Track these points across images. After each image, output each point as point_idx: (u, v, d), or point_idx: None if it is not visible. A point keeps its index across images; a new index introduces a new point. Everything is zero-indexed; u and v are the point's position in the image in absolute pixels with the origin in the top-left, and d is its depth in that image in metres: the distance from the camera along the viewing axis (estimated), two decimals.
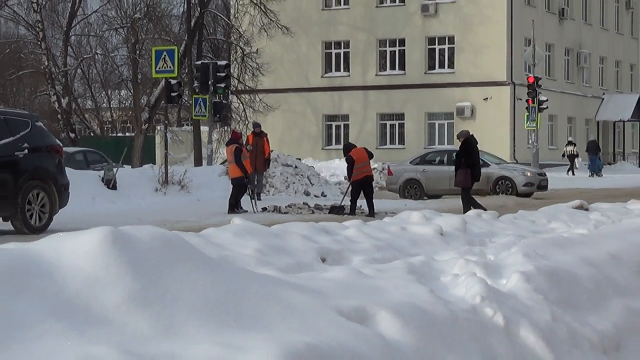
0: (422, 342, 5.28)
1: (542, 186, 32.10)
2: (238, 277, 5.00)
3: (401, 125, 55.51)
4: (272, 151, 32.52)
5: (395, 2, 55.85)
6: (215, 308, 4.58)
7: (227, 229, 8.51)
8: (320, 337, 4.58)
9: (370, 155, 23.47)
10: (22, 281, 4.21)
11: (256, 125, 28.52)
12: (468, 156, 22.32)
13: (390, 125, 55.94)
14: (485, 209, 20.38)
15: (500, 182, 31.56)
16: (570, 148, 51.22)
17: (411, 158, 35.13)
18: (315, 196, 31.67)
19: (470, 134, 23.30)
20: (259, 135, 27.90)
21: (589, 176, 48.81)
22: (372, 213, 22.22)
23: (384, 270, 6.85)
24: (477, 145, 23.04)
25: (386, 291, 5.85)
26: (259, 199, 26.35)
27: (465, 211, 21.47)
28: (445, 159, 32.56)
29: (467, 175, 22.20)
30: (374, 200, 23.09)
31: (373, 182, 24.70)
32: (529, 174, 32.47)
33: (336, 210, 23.33)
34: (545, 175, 33.03)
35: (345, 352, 4.60)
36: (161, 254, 4.71)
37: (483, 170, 30.31)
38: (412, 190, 32.59)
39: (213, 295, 4.68)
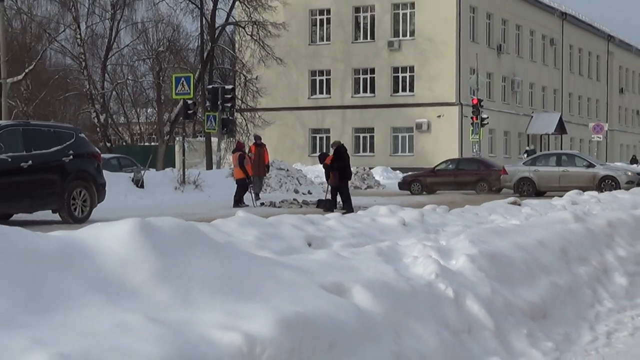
0: (389, 311, 5.28)
1: None
2: (241, 258, 4.99)
3: (372, 137, 55.52)
4: (272, 162, 32.46)
5: (367, 38, 55.90)
6: (223, 283, 4.56)
7: (232, 220, 8.49)
8: (306, 307, 4.57)
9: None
10: (68, 261, 4.20)
11: (257, 137, 28.38)
12: (339, 161, 22.33)
13: (362, 137, 55.93)
14: (336, 208, 21.45)
15: (605, 181, 30.48)
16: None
17: (524, 160, 34.20)
18: (303, 194, 31.66)
19: (341, 143, 23.40)
20: (260, 146, 27.80)
21: None
22: (350, 208, 22.21)
23: (358, 253, 6.84)
24: (347, 152, 23.05)
25: (359, 270, 5.84)
26: (258, 198, 26.23)
27: (330, 205, 22.00)
28: (555, 161, 31.86)
29: (337, 176, 22.20)
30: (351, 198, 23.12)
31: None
32: (629, 174, 31.16)
33: (323, 204, 23.26)
34: None
35: (327, 318, 4.59)
36: (179, 240, 4.69)
37: (590, 170, 30.40)
38: (525, 187, 31.31)
39: (221, 273, 4.66)
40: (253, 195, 25.60)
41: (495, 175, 32.96)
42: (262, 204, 25.34)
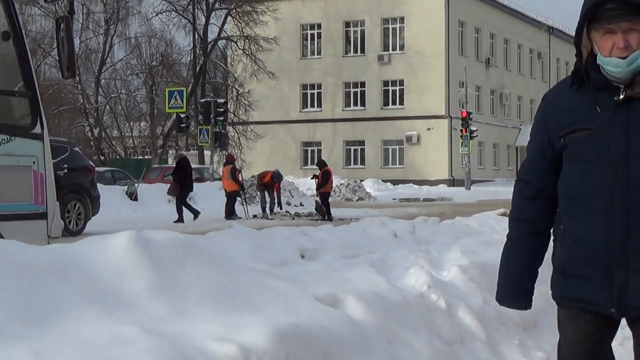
0: (381, 322, 5.27)
1: None
2: (235, 270, 4.98)
3: (362, 150, 55.60)
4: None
5: (357, 52, 56.08)
6: (218, 295, 4.55)
7: (226, 232, 8.46)
8: (300, 318, 4.56)
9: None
10: (64, 274, 4.18)
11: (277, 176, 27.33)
12: (181, 172, 23.37)
13: (353, 149, 56.01)
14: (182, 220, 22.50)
15: None
16: None
17: None
18: (295, 205, 31.67)
19: (184, 155, 24.76)
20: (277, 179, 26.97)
21: None
22: (331, 218, 23.23)
23: (351, 264, 6.83)
24: (190, 165, 24.55)
25: (352, 281, 5.83)
26: (272, 212, 26.06)
27: (180, 216, 22.97)
28: None
29: (177, 187, 23.24)
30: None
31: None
32: None
33: (321, 212, 24.24)
34: None
35: (321, 329, 4.58)
36: (175, 252, 4.68)
37: None
38: None
39: (216, 285, 4.65)
40: (268, 208, 25.87)
41: None
42: (255, 215, 25.32)
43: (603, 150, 2.92)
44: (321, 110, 56.59)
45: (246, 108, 48.38)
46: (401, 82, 54.42)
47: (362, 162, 55.31)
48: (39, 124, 7.31)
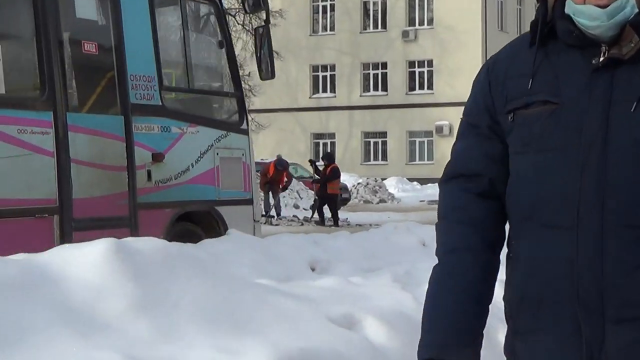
0: (407, 346, 5.26)
1: None
2: (234, 285, 4.98)
3: (384, 143, 55.59)
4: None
5: (377, 28, 56.06)
6: (213, 314, 4.56)
7: (224, 240, 8.49)
8: (311, 342, 4.56)
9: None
10: (31, 290, 4.19)
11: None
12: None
13: (374, 142, 56.01)
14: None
15: None
16: None
17: None
18: (304, 209, 31.66)
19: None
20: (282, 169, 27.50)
21: None
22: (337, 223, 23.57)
23: (370, 279, 6.83)
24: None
25: (372, 298, 5.83)
26: (280, 216, 26.61)
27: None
28: None
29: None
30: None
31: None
32: None
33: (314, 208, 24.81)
34: None
35: (334, 356, 4.58)
36: (162, 263, 4.69)
37: None
38: None
39: (211, 302, 4.65)
40: (274, 211, 26.24)
41: None
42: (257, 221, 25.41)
43: (570, 135, 2.29)
44: (335, 96, 56.62)
45: (246, 93, 48.54)
46: (430, 63, 54.41)
47: (384, 158, 55.33)
48: (245, 120, 10.30)
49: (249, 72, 49.19)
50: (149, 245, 4.78)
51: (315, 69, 57.47)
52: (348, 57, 56.14)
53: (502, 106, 2.43)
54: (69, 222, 8.14)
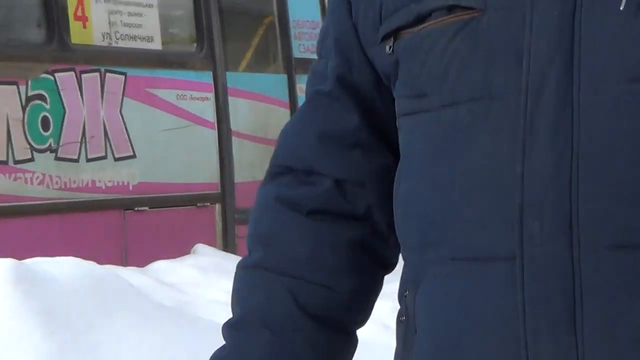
0: None
1: None
2: (201, 333, 4.08)
3: None
4: None
5: None
6: None
7: (187, 263, 7.79)
8: None
9: None
10: None
11: None
12: None
13: None
14: None
15: None
16: None
17: None
18: None
19: None
20: None
21: None
22: None
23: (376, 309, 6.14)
24: None
25: None
26: None
27: None
28: None
29: None
30: None
31: None
32: None
33: None
34: None
35: None
36: (88, 300, 3.81)
37: None
38: None
39: (163, 358, 3.81)
40: None
41: None
42: None
43: (501, 70, 1.42)
44: None
45: None
46: None
47: None
48: None
49: None
50: (68, 271, 3.86)
51: None
52: None
53: (372, 29, 1.56)
54: (232, 212, 8.03)
